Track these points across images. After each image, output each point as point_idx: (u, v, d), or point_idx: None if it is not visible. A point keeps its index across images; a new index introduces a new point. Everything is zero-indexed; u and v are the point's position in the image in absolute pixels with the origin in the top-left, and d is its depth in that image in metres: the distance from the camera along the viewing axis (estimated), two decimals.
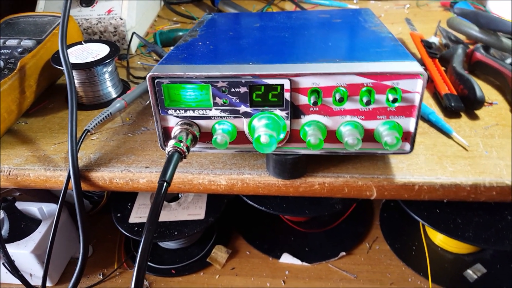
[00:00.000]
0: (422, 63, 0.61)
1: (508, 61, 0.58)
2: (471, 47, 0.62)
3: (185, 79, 0.38)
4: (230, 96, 0.38)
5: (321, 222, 0.73)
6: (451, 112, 0.51)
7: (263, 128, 0.38)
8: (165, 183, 0.34)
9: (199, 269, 0.66)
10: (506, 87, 0.54)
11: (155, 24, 0.89)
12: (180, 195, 0.67)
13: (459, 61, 0.58)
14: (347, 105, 0.38)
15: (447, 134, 0.47)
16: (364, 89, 0.37)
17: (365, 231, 0.72)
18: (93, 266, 0.68)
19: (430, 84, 0.58)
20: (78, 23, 0.73)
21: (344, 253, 0.67)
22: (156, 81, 0.38)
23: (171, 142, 0.37)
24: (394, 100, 0.36)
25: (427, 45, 0.63)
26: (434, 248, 0.66)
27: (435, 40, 0.71)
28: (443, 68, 0.60)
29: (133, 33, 0.70)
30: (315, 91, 0.38)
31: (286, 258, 0.67)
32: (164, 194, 0.34)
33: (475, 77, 0.60)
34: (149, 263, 0.66)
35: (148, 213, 0.32)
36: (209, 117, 0.40)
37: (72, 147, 0.46)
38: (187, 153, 0.38)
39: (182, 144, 0.37)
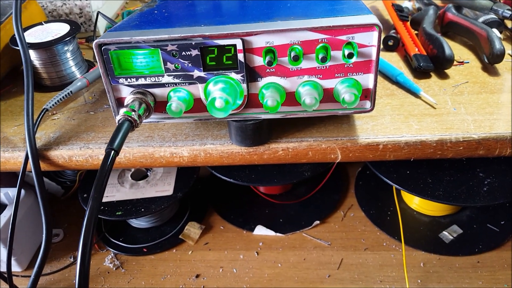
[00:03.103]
0: (393, 27, 0.60)
1: (481, 20, 0.57)
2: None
3: (133, 45, 0.36)
4: (182, 61, 0.37)
5: (296, 194, 0.72)
6: (420, 73, 0.50)
7: (219, 91, 0.36)
8: (112, 151, 0.33)
9: (171, 246, 0.65)
10: (479, 46, 0.53)
11: (126, 6, 0.86)
12: (148, 173, 0.65)
13: (429, 22, 0.56)
14: (304, 64, 0.37)
15: (415, 94, 0.46)
16: (319, 45, 0.35)
17: (340, 199, 0.71)
18: (64, 250, 0.66)
19: (401, 47, 0.56)
20: (42, 6, 0.71)
21: (318, 222, 0.66)
22: (103, 48, 0.36)
23: (122, 111, 0.36)
24: (350, 55, 0.35)
25: (398, 9, 0.62)
26: (410, 212, 0.65)
27: (408, 5, 0.69)
28: (415, 32, 0.58)
29: (98, 12, 0.68)
30: (270, 51, 0.36)
31: (260, 230, 0.66)
32: (111, 162, 0.32)
33: (449, 38, 0.59)
34: (120, 243, 0.65)
35: (94, 184, 0.31)
36: (162, 85, 0.38)
37: (29, 125, 0.44)
38: (138, 123, 0.36)
39: (133, 113, 0.36)
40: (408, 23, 0.59)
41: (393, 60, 0.54)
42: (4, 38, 0.58)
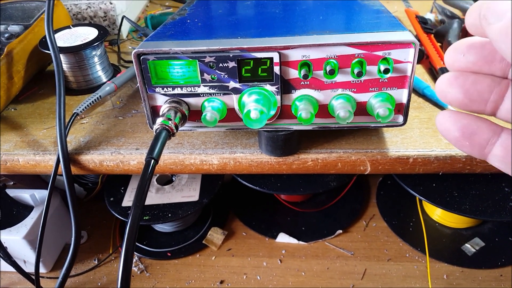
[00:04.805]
0: (417, 39, 0.60)
1: None
2: None
3: (171, 55, 0.37)
4: (218, 72, 0.37)
5: (318, 202, 0.72)
6: None
7: (253, 103, 0.37)
8: (152, 160, 0.33)
9: (195, 251, 0.66)
10: None
11: (147, 9, 0.87)
12: (173, 178, 0.66)
13: (454, 35, 0.57)
14: (338, 78, 0.37)
15: (442, 108, 0.46)
16: (355, 60, 0.36)
17: (362, 209, 0.71)
18: (88, 252, 0.67)
19: (426, 60, 0.57)
20: (68, 8, 0.72)
21: (340, 231, 0.67)
22: (141, 58, 0.37)
23: (159, 120, 0.36)
24: (386, 71, 0.35)
25: (422, 21, 0.62)
26: (432, 224, 0.66)
27: (431, 16, 0.69)
28: (439, 44, 0.59)
29: (123, 16, 0.69)
30: (306, 64, 0.37)
31: (283, 238, 0.66)
32: (151, 171, 0.33)
33: None
34: (144, 246, 0.66)
35: (135, 192, 0.32)
36: (198, 95, 0.39)
37: (61, 129, 0.45)
38: (175, 131, 0.37)
39: (170, 122, 0.37)
40: (432, 35, 0.60)
41: (417, 73, 0.54)
42: (32, 41, 0.58)
